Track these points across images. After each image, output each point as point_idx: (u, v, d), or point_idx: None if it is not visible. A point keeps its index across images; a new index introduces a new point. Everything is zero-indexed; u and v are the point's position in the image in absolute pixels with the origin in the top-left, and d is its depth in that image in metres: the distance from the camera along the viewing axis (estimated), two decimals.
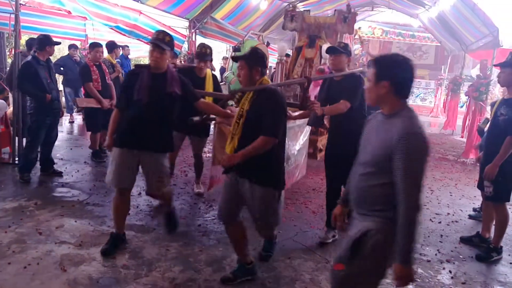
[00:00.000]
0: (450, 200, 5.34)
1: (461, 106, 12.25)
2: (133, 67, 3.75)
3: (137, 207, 4.31)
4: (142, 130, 3.15)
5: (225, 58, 13.29)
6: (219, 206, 3.05)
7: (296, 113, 3.67)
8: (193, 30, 9.77)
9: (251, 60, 2.84)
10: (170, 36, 3.27)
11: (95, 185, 4.89)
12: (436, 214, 4.77)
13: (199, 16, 9.76)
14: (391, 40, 18.78)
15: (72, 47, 9.22)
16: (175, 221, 3.62)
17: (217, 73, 11.93)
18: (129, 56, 10.44)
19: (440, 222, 4.51)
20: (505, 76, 3.52)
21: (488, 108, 6.25)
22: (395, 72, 1.88)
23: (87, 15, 7.12)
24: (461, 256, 3.71)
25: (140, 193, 4.66)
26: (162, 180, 3.28)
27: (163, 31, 3.32)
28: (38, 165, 5.09)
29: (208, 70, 4.64)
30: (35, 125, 4.80)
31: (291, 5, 6.60)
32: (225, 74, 8.85)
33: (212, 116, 3.70)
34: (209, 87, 4.51)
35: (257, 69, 2.83)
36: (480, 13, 8.88)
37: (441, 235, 4.15)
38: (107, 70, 6.03)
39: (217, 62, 14.40)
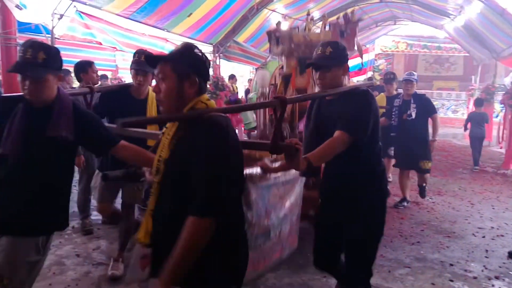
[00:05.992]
0: (493, 214, 5.09)
1: (496, 116, 11.81)
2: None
3: None
4: (7, 201, 1.96)
5: (249, 80, 13.43)
6: None
7: (277, 164, 2.20)
8: (217, 55, 9.98)
9: (181, 63, 1.54)
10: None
11: None
12: (479, 228, 4.55)
13: (223, 40, 9.97)
14: (416, 53, 18.54)
15: (103, 77, 9.55)
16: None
17: (241, 94, 12.09)
18: None
19: (484, 237, 4.29)
20: None
21: None
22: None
23: (117, 45, 7.36)
24: (511, 273, 3.50)
25: None
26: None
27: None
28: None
29: (150, 89, 3.15)
30: None
31: (274, 22, 5.04)
32: (249, 96, 8.92)
33: (144, 168, 2.04)
34: (153, 112, 3.14)
35: (190, 77, 1.55)
36: (510, 18, 8.48)
37: (486, 250, 3.94)
38: None
39: (241, 85, 14.57)
